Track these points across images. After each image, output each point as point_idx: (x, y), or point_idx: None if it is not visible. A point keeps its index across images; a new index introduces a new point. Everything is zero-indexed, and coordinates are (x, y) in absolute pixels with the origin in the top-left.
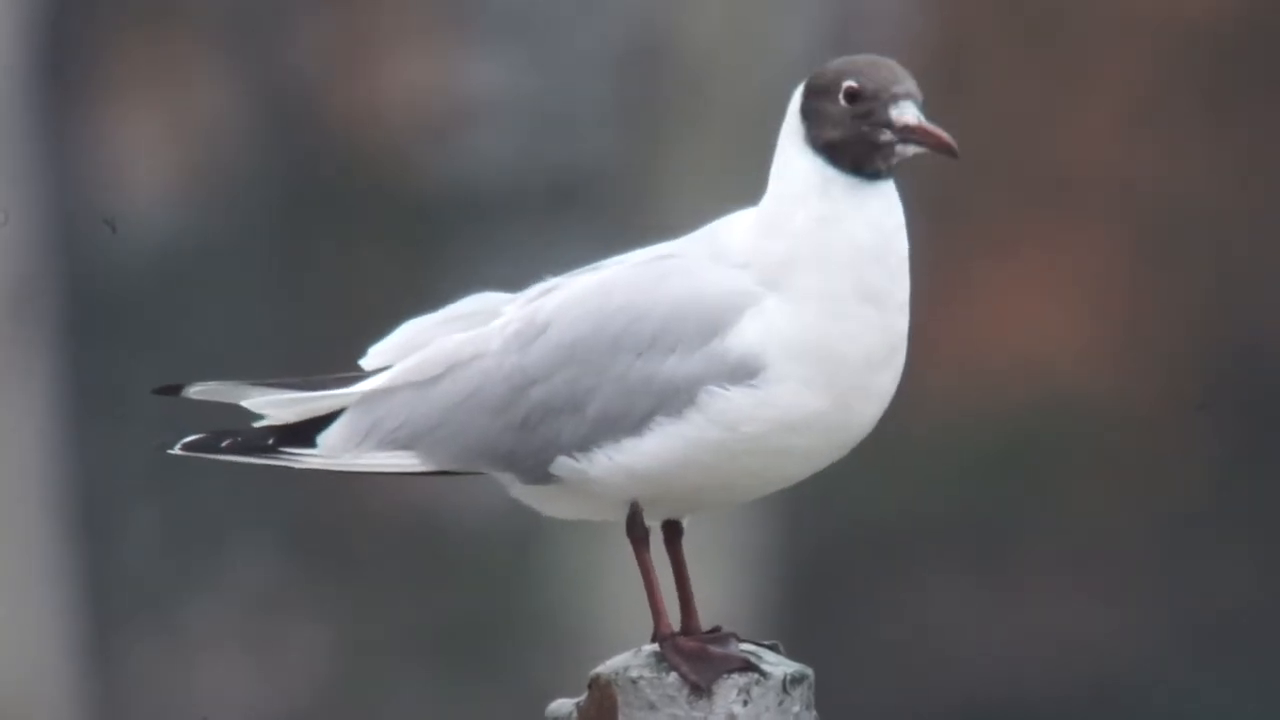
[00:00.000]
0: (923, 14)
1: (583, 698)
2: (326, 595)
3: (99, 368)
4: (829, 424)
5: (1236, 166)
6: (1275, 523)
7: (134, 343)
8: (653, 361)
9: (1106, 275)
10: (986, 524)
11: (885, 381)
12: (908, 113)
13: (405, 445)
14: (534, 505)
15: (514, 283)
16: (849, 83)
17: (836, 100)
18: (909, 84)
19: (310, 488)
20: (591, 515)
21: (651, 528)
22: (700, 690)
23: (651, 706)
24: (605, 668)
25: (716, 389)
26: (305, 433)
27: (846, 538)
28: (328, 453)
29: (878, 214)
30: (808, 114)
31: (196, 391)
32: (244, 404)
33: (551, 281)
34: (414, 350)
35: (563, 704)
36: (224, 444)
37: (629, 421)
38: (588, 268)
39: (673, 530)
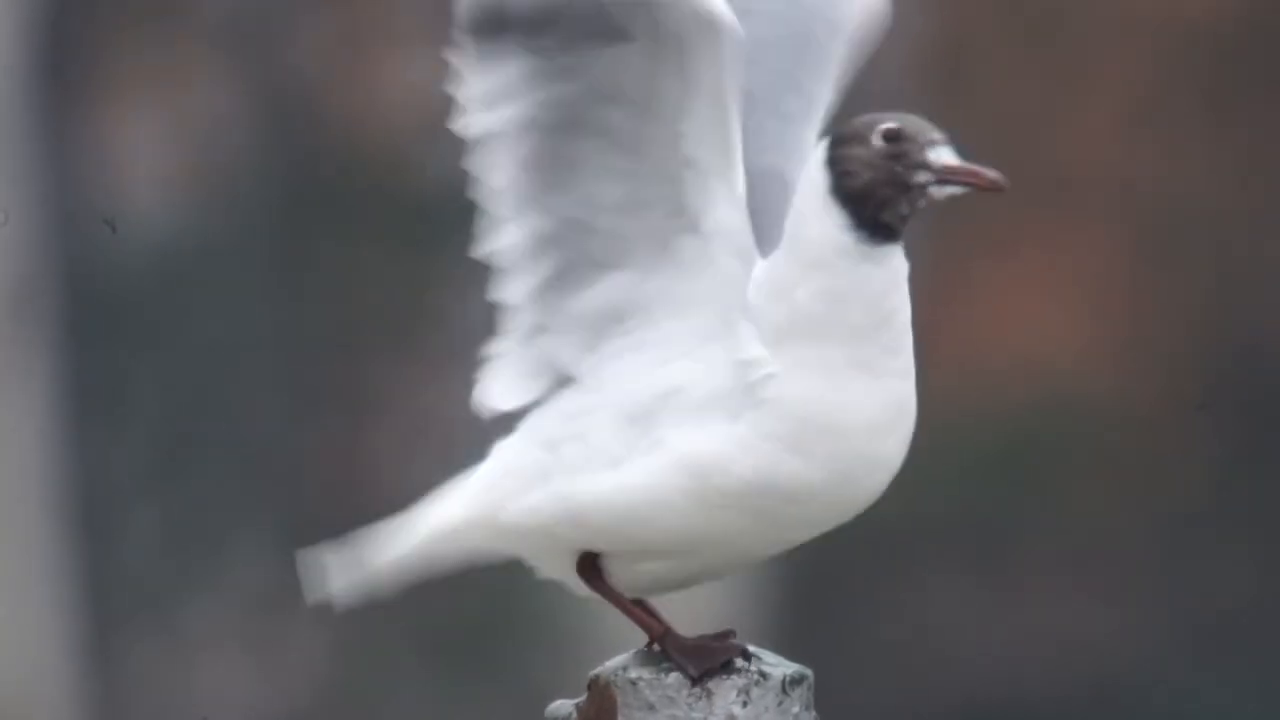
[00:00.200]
0: (923, 14)
1: (582, 698)
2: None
3: (99, 368)
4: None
5: (1237, 166)
6: (1275, 523)
7: (134, 343)
8: None
9: (1106, 275)
10: (986, 524)
11: (891, 449)
12: (946, 155)
13: None
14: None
15: None
16: (887, 125)
17: (869, 143)
18: (944, 134)
19: (310, 487)
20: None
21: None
22: (701, 682)
23: (651, 707)
24: (605, 668)
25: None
26: None
27: (846, 538)
28: None
29: (878, 293)
30: (833, 163)
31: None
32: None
33: None
34: None
35: (562, 704)
36: None
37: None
38: None
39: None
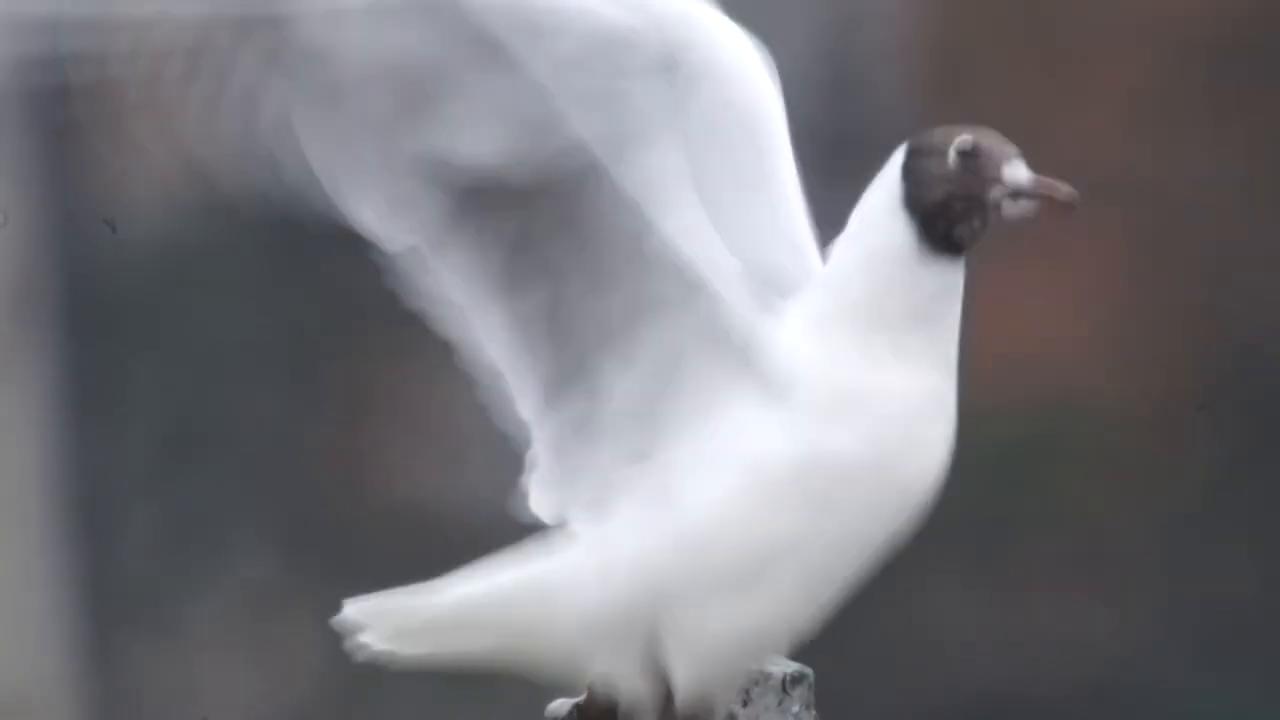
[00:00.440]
0: (923, 14)
1: (582, 697)
2: (327, 595)
3: (99, 367)
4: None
5: (1237, 167)
6: (1275, 523)
7: (134, 343)
8: None
9: (1106, 275)
10: (986, 524)
11: (932, 436)
12: (1022, 171)
13: None
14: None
15: None
16: (964, 139)
17: (945, 158)
18: (1017, 149)
19: (310, 487)
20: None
21: None
22: None
23: None
24: None
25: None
26: None
27: None
28: None
29: (931, 294)
30: (909, 173)
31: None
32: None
33: None
34: None
35: (562, 704)
36: None
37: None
38: None
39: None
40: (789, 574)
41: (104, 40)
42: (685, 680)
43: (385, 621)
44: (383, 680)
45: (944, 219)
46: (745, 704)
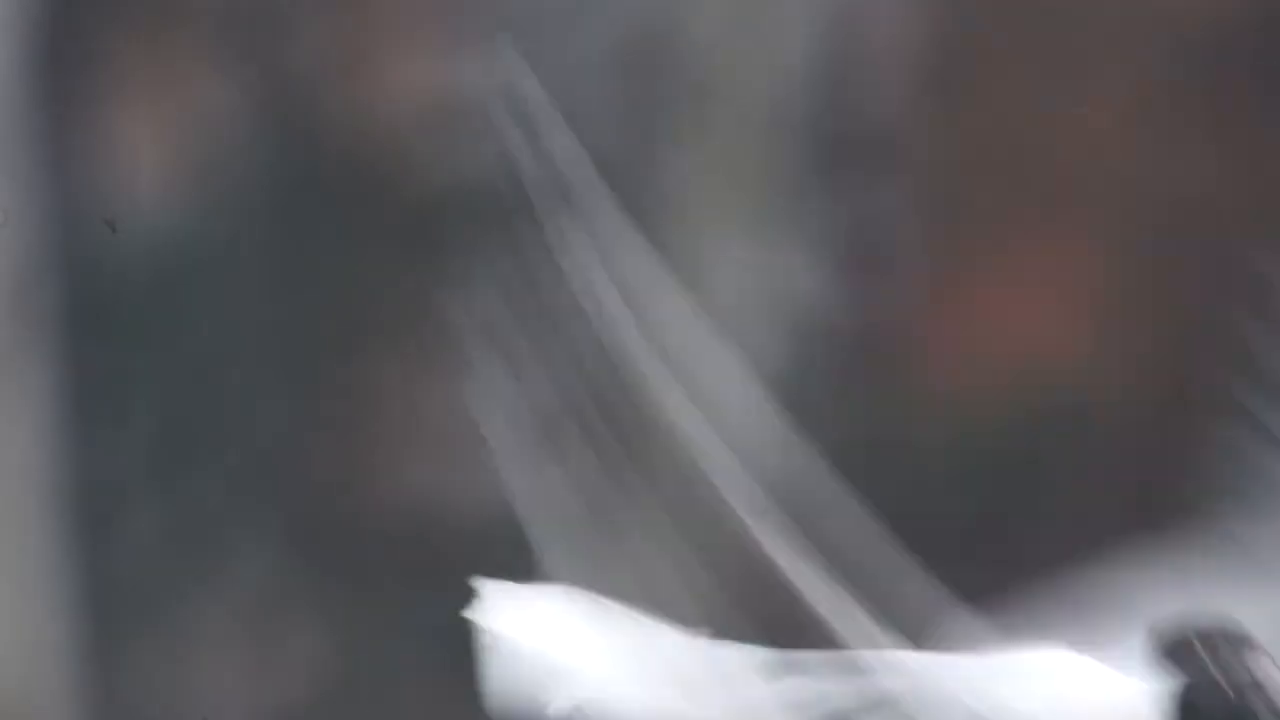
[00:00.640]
0: (923, 13)
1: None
2: (326, 595)
3: (99, 367)
4: None
5: (1237, 167)
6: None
7: (134, 343)
8: None
9: (1106, 275)
10: (986, 523)
11: None
12: (1265, 664)
13: None
14: None
15: (512, 283)
16: (1203, 634)
17: (1194, 654)
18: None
19: (310, 487)
20: None
21: None
22: None
23: None
24: None
25: None
26: None
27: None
28: None
29: None
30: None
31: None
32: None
33: None
34: None
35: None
36: None
37: None
38: None
39: None
40: None
41: None
42: None
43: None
44: (383, 680)
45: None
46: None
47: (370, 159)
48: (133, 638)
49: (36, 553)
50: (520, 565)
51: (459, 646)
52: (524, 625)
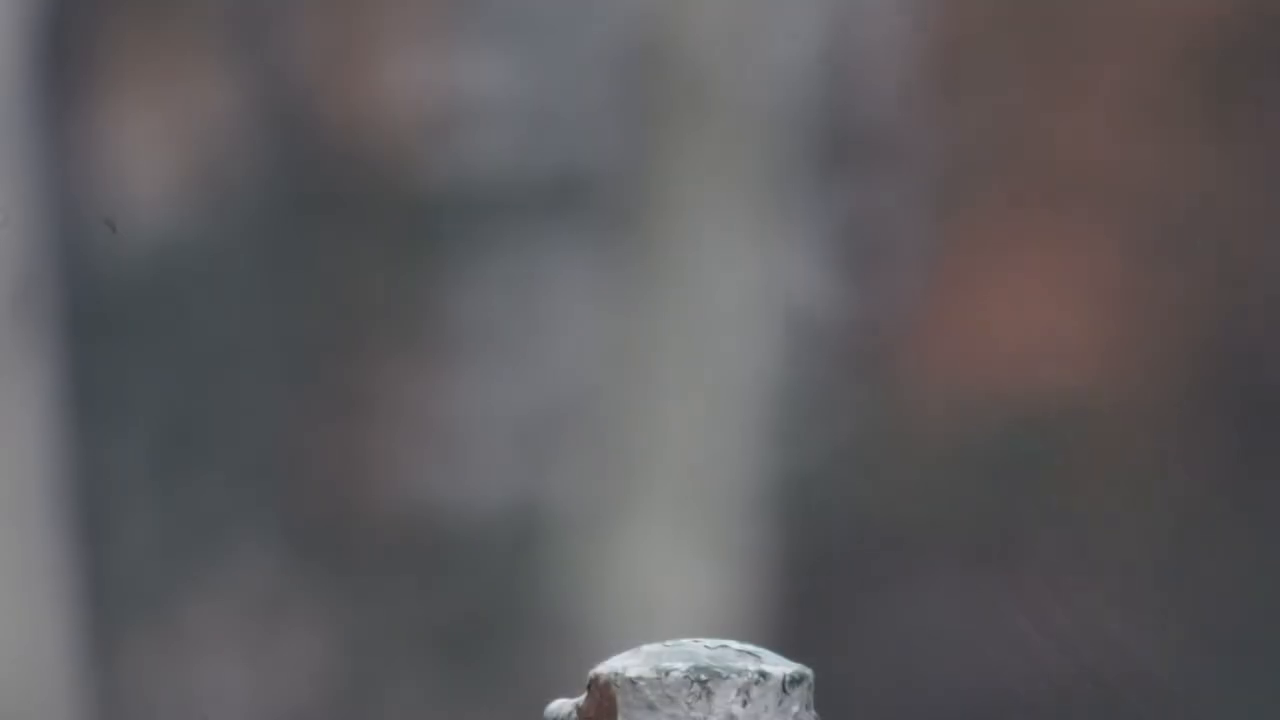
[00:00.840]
0: (923, 13)
1: (582, 697)
2: (326, 595)
3: (99, 367)
4: None
5: (1237, 166)
6: (1276, 523)
7: (134, 342)
8: None
9: (1106, 275)
10: (986, 524)
11: None
12: None
13: None
14: None
15: (512, 283)
16: None
17: None
18: None
19: (310, 487)
20: None
21: None
22: None
23: (651, 707)
24: (604, 668)
25: None
26: None
27: (846, 538)
28: None
29: None
30: None
31: None
32: None
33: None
34: None
35: (562, 704)
36: None
37: None
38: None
39: None
40: None
41: None
42: None
43: None
44: (383, 680)
45: None
46: (745, 704)
47: (370, 159)
48: (133, 638)
49: (36, 552)
50: (520, 565)
51: (459, 646)
52: None
